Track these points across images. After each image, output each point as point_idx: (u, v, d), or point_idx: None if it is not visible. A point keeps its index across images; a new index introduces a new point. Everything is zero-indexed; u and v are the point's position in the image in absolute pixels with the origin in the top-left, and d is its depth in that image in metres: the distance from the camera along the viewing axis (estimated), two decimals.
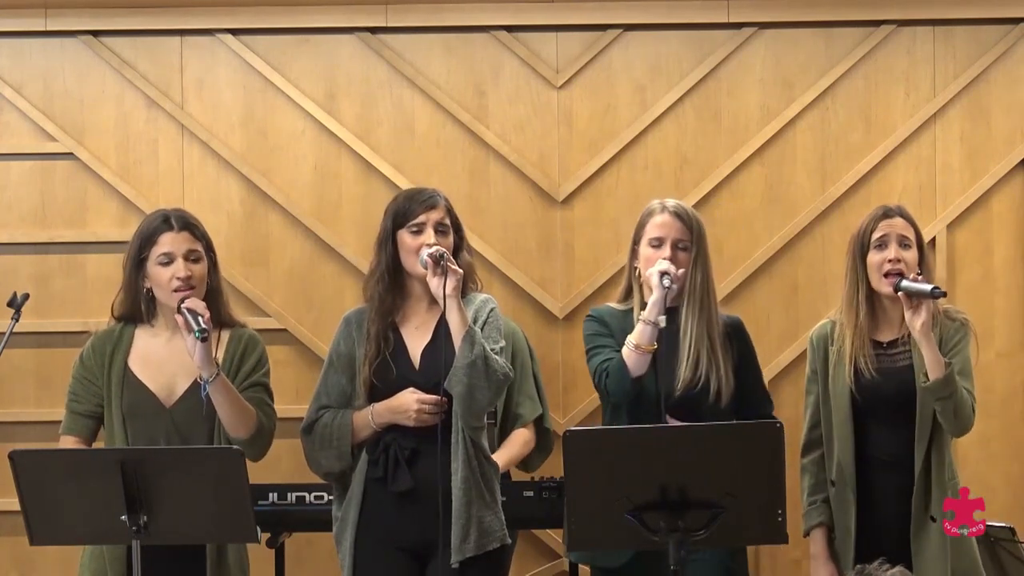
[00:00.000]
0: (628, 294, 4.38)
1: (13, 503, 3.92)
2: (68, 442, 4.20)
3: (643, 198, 5.48)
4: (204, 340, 3.96)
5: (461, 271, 4.07)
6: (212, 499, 3.70)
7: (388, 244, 4.19)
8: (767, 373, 5.49)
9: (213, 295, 4.24)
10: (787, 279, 5.53)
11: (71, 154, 5.54)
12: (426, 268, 4.06)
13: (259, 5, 5.52)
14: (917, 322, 4.15)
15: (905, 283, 4.21)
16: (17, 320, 4.33)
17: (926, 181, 5.53)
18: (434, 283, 4.03)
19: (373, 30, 5.56)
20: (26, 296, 4.39)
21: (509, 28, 5.56)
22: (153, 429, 4.13)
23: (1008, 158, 5.53)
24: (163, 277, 4.15)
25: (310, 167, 5.57)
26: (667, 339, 4.18)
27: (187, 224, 4.21)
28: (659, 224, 4.29)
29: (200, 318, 3.98)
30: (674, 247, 4.26)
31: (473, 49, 5.57)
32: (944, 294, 4.17)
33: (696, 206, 5.48)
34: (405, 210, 4.18)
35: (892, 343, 4.33)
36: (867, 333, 4.31)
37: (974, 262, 5.53)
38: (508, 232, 5.55)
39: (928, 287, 4.15)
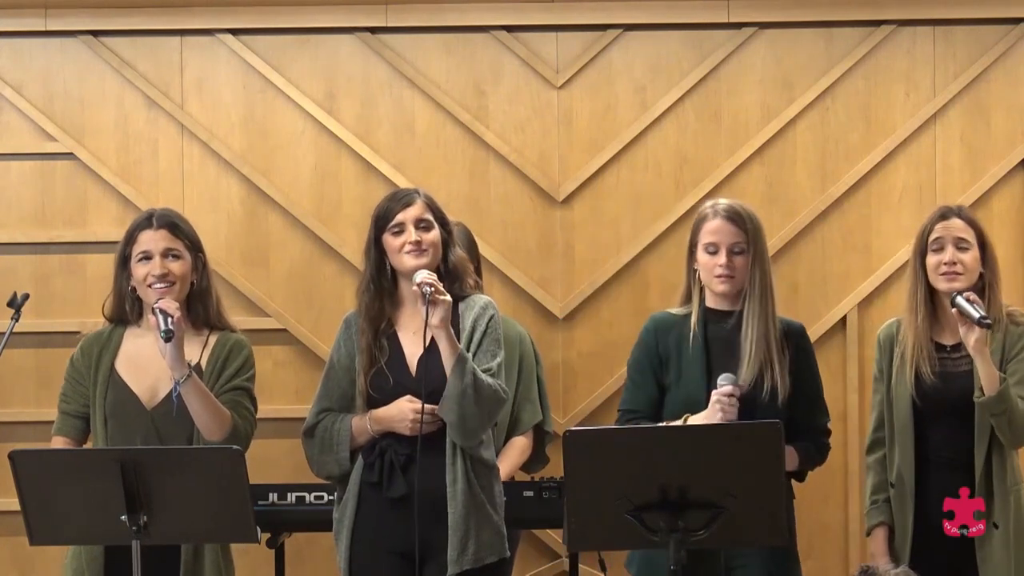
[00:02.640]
0: (688, 298, 4.26)
1: (13, 503, 3.91)
2: (58, 442, 4.21)
3: (643, 198, 5.51)
4: (168, 340, 3.94)
5: (449, 300, 3.98)
6: (212, 499, 3.69)
7: (372, 250, 4.15)
8: None
9: (201, 296, 4.23)
10: (787, 279, 5.51)
11: (71, 154, 5.53)
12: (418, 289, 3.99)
13: (259, 5, 5.52)
14: (971, 338, 4.12)
15: (959, 300, 4.16)
16: (17, 320, 4.32)
17: (926, 181, 5.53)
18: (423, 313, 3.97)
19: (373, 30, 5.56)
20: (26, 296, 4.39)
21: (509, 28, 5.56)
22: (131, 430, 4.12)
23: (1008, 158, 5.52)
24: (140, 274, 4.16)
25: (310, 167, 5.56)
26: (726, 340, 4.13)
27: (168, 222, 4.20)
28: (712, 230, 4.16)
29: (169, 319, 3.96)
30: (729, 253, 4.13)
31: (473, 49, 5.57)
32: (990, 326, 4.11)
33: (696, 206, 5.49)
34: (384, 212, 4.15)
35: (956, 347, 4.28)
36: (928, 335, 4.28)
37: None
38: (508, 232, 5.55)
39: (976, 314, 4.10)
